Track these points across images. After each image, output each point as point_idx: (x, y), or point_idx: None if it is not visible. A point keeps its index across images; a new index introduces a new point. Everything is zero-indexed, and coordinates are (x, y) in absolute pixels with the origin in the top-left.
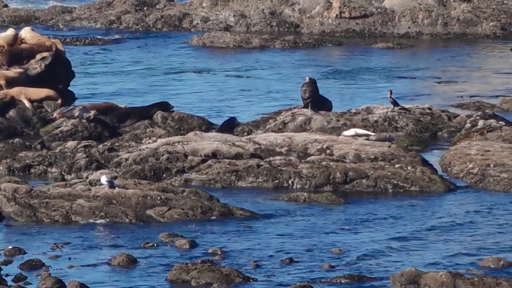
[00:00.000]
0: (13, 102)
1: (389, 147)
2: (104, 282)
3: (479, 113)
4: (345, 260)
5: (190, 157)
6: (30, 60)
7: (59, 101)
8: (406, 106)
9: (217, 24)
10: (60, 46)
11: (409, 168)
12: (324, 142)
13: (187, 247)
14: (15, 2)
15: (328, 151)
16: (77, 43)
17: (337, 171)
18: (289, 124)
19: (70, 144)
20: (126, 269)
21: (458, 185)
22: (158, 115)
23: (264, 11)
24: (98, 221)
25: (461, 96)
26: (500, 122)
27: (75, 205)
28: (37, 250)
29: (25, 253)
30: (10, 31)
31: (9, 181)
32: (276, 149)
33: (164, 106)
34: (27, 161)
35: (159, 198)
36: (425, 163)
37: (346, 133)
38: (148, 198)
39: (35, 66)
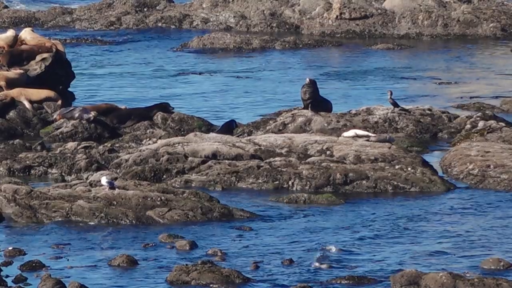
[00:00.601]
0: (13, 103)
1: (389, 148)
2: (104, 283)
3: (479, 114)
4: (345, 261)
5: (190, 158)
6: (30, 61)
7: (59, 102)
8: (406, 107)
9: (217, 25)
10: (60, 47)
11: (409, 169)
12: (324, 143)
13: (187, 248)
14: (21, 3)
15: (328, 152)
16: (77, 44)
17: (337, 172)
18: (289, 125)
19: (70, 145)
20: (126, 270)
21: (458, 186)
22: (158, 116)
23: (264, 12)
24: (98, 222)
25: (461, 97)
26: (500, 123)
27: (75, 206)
28: (37, 251)
29: (25, 254)
30: (10, 32)
31: (9, 182)
32: (276, 150)
33: (164, 107)
34: (27, 162)
35: (159, 199)
36: (425, 164)
37: (346, 134)
38: (148, 199)
39: (35, 67)
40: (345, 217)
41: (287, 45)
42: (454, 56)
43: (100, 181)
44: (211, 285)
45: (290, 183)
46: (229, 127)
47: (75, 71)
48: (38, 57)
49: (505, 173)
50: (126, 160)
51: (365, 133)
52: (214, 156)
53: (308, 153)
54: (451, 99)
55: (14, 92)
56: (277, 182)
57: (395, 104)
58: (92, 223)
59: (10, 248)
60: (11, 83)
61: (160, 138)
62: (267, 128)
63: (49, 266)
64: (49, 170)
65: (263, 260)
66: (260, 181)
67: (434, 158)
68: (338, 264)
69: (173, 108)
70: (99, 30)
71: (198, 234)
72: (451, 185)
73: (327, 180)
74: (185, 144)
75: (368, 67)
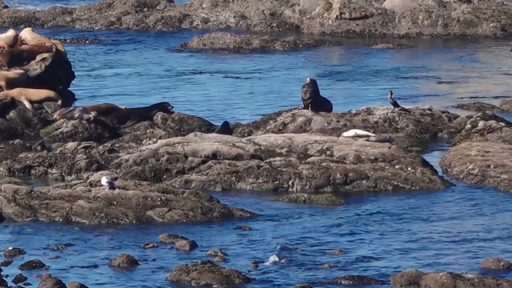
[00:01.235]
0: (13, 103)
1: (389, 148)
2: (105, 283)
3: (479, 114)
4: (345, 261)
5: (190, 158)
6: (30, 61)
7: (59, 102)
8: (406, 107)
9: (217, 25)
10: (60, 47)
11: (409, 169)
12: (324, 143)
13: (187, 248)
14: (23, 3)
15: (328, 152)
16: (78, 44)
17: (337, 172)
18: (289, 125)
19: (71, 145)
20: (126, 270)
21: (458, 186)
22: (158, 116)
23: (264, 12)
24: (98, 222)
25: (462, 97)
26: (500, 123)
27: (75, 206)
28: (37, 251)
29: (25, 253)
30: (11, 32)
31: (10, 182)
32: (276, 150)
33: (164, 107)
34: (28, 162)
35: (159, 199)
36: (425, 164)
37: (346, 134)
38: (149, 199)
39: (36, 67)
40: (345, 217)
41: (287, 45)
42: (454, 56)
43: (100, 181)
44: (211, 285)
45: (290, 183)
46: (229, 127)
47: (75, 71)
48: (38, 57)
49: (505, 173)
50: (126, 160)
51: (365, 133)
52: (214, 156)
53: (308, 153)
54: (451, 99)
55: (14, 92)
56: (277, 182)
57: (395, 104)
58: (92, 223)
59: (10, 248)
60: (11, 83)
61: (160, 138)
62: (267, 128)
63: (49, 266)
64: (49, 170)
65: (263, 260)
66: (260, 181)
67: (434, 158)
68: (338, 264)
69: (173, 108)
70: (99, 30)
71: (198, 234)
72: (451, 185)
73: (327, 180)
74: (185, 144)
75: (368, 67)
